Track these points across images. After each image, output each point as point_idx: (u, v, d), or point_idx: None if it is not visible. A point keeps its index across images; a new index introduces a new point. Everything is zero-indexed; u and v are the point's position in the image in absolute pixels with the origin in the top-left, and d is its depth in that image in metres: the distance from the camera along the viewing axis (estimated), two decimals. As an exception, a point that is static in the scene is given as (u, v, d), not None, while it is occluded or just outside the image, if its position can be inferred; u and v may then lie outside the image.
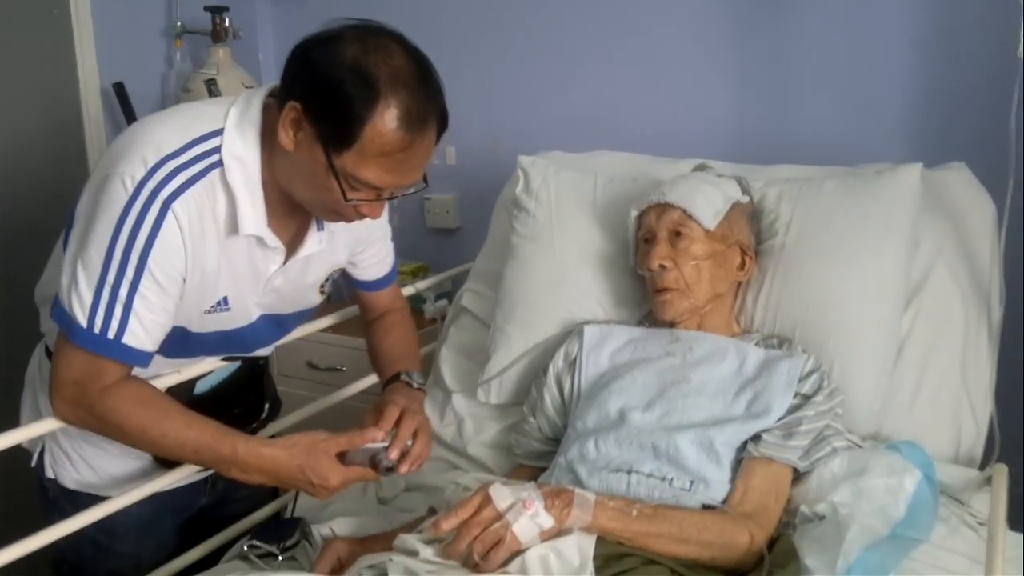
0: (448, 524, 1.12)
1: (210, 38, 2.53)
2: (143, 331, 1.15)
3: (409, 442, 1.23)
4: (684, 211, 1.47)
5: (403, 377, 1.40)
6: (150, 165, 1.11)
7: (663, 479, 1.28)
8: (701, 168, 1.65)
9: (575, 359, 1.51)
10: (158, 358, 1.30)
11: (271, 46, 2.77)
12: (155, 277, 1.13)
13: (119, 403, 1.17)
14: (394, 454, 1.21)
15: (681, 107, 2.17)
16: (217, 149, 1.15)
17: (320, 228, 1.29)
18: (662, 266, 1.45)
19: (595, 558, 1.11)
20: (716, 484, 1.27)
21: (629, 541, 1.15)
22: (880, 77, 1.93)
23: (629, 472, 1.29)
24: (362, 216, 1.19)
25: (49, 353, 1.28)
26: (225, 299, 1.25)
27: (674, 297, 1.45)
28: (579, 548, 1.11)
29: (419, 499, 1.53)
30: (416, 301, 2.06)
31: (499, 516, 1.12)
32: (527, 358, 1.63)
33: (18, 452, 1.39)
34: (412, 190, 1.19)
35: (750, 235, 1.54)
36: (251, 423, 1.50)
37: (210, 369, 1.41)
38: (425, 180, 1.20)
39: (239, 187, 1.16)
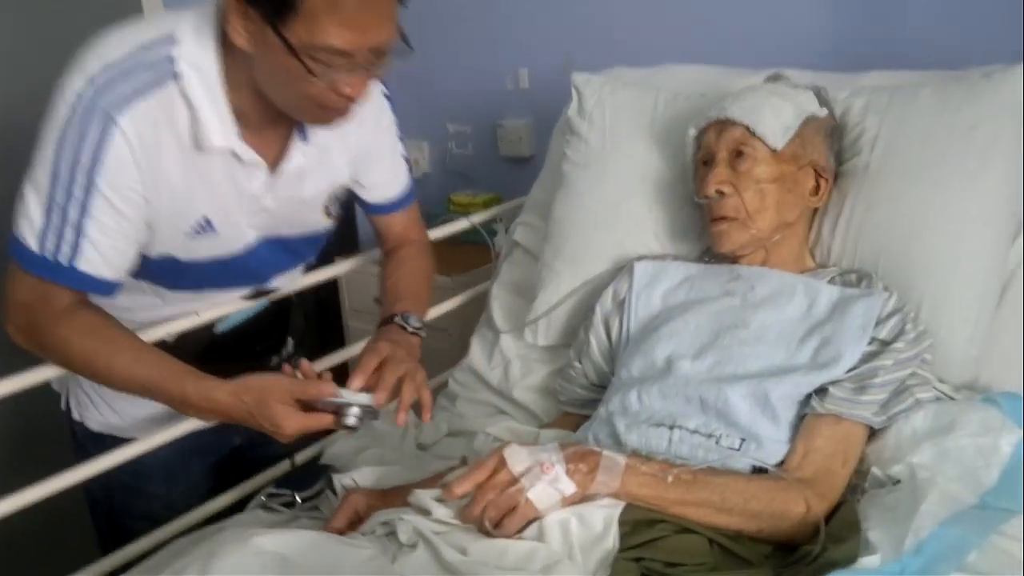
0: (460, 489, 1.02)
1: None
2: (98, 256, 1.09)
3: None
4: (747, 128, 1.28)
5: (397, 320, 1.28)
6: (90, 75, 1.04)
7: (709, 436, 1.13)
8: (774, 79, 1.43)
9: (624, 299, 1.37)
10: (169, 294, 1.26)
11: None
12: (107, 197, 1.06)
13: (68, 331, 1.12)
14: (381, 398, 1.12)
15: (764, 9, 1.94)
16: (170, 58, 1.05)
17: (304, 139, 1.18)
18: (720, 191, 1.28)
19: (622, 524, 0.99)
20: (770, 444, 1.12)
21: (663, 509, 1.02)
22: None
23: (672, 427, 1.15)
24: (348, 99, 1.06)
25: None
26: (208, 221, 1.16)
27: (732, 227, 1.28)
28: (603, 513, 1.00)
29: (460, 445, 1.44)
30: (480, 235, 1.93)
31: (514, 480, 1.01)
32: (576, 296, 1.49)
33: (51, 395, 1.38)
34: (392, 58, 1.05)
35: (828, 154, 1.33)
36: (272, 358, 1.45)
37: (234, 310, 1.35)
38: (406, 42, 1.06)
39: (199, 99, 1.07)
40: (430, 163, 2.66)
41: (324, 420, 1.12)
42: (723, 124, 1.30)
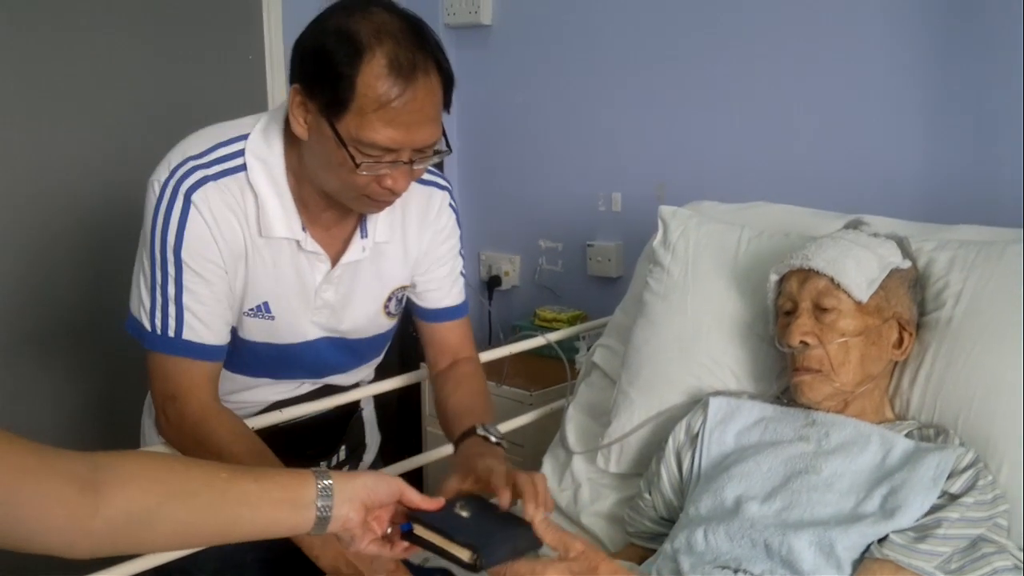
0: None
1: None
2: (200, 324, 1.20)
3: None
4: (831, 279, 1.29)
5: (479, 431, 1.25)
6: (173, 166, 1.18)
7: (773, 584, 1.12)
8: (854, 225, 1.45)
9: (697, 434, 1.37)
10: (236, 378, 1.33)
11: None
12: (193, 269, 1.18)
13: (218, 428, 1.20)
14: (538, 517, 1.03)
15: (858, 154, 1.97)
16: (241, 152, 1.19)
17: (364, 235, 1.28)
18: (804, 343, 1.29)
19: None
20: (835, 596, 1.10)
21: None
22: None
23: (736, 571, 1.14)
24: (391, 192, 1.15)
25: None
26: (266, 305, 1.26)
27: (816, 379, 1.28)
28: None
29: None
30: (566, 351, 1.96)
31: None
32: (650, 426, 1.50)
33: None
34: (433, 154, 1.15)
35: (911, 306, 1.34)
36: (321, 463, 1.48)
37: (314, 411, 1.42)
38: (447, 144, 1.16)
39: (263, 187, 1.19)
40: (520, 277, 2.74)
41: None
42: (806, 273, 1.32)
